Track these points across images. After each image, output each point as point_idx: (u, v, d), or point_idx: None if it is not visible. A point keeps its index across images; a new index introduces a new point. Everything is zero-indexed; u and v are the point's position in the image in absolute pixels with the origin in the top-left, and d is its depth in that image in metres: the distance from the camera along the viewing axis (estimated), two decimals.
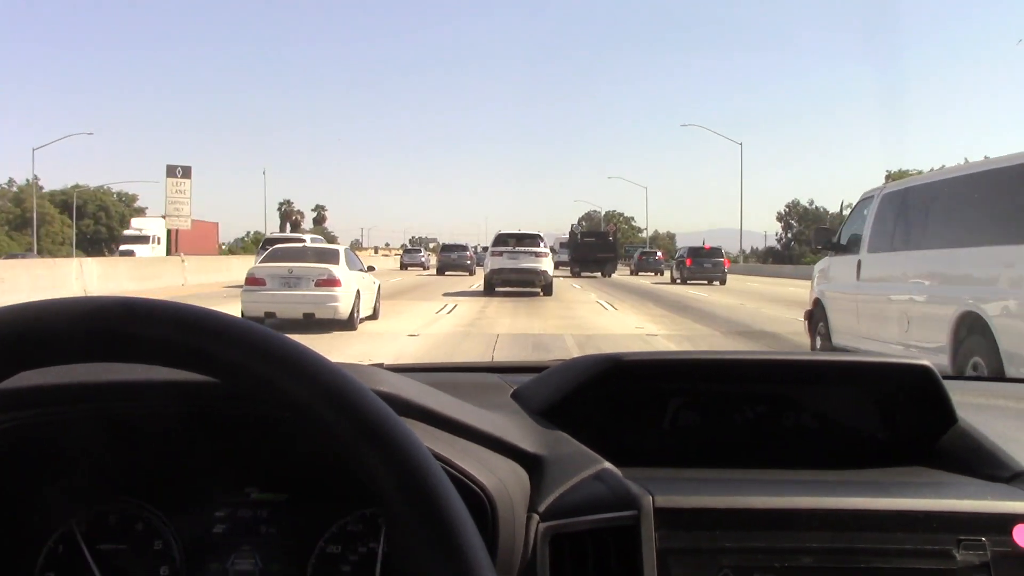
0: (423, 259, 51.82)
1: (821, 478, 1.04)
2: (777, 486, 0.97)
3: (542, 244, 21.56)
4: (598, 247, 39.75)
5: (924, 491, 0.96)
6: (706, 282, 33.65)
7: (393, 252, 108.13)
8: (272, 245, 18.37)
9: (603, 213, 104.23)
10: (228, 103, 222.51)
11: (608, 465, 0.99)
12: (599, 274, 38.48)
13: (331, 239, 75.52)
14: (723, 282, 33.47)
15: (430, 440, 0.86)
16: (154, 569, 0.98)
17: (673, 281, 35.53)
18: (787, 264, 58.46)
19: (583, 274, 38.26)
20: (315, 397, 0.59)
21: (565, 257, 57.76)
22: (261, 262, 13.44)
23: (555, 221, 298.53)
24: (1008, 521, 0.90)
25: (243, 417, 0.93)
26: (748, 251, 79.23)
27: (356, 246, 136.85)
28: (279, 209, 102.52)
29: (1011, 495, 0.95)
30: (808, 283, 10.23)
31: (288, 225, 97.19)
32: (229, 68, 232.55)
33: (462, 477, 0.87)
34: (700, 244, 39.12)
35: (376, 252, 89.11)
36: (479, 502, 0.86)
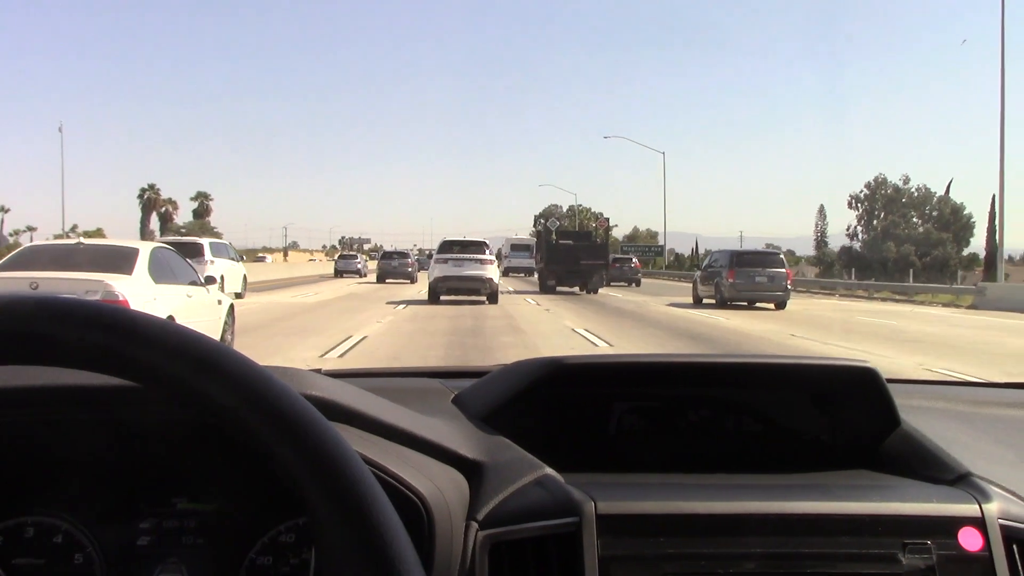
0: (359, 265, 47.99)
1: (765, 482, 1.02)
2: (721, 491, 0.95)
3: (487, 251, 21.84)
4: (582, 252, 28.21)
5: (869, 494, 0.96)
6: (745, 304, 21.55)
7: (316, 255, 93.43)
8: None
9: (565, 208, 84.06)
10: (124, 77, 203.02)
11: (549, 471, 0.98)
12: (577, 288, 28.37)
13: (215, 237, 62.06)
14: (782, 305, 21.28)
15: (363, 446, 0.84)
16: None
17: (697, 301, 22.96)
18: (880, 276, 38.59)
19: (560, 288, 27.84)
20: (237, 400, 0.57)
21: (520, 263, 46.63)
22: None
23: (507, 217, 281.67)
24: (953, 523, 0.90)
25: (167, 424, 0.89)
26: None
27: (293, 247, 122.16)
28: (140, 196, 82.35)
29: (956, 497, 0.94)
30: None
31: (155, 218, 79.50)
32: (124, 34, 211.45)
33: (396, 484, 0.84)
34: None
35: (285, 253, 73.75)
36: (415, 510, 0.84)
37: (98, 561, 0.93)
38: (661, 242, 69.98)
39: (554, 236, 31.15)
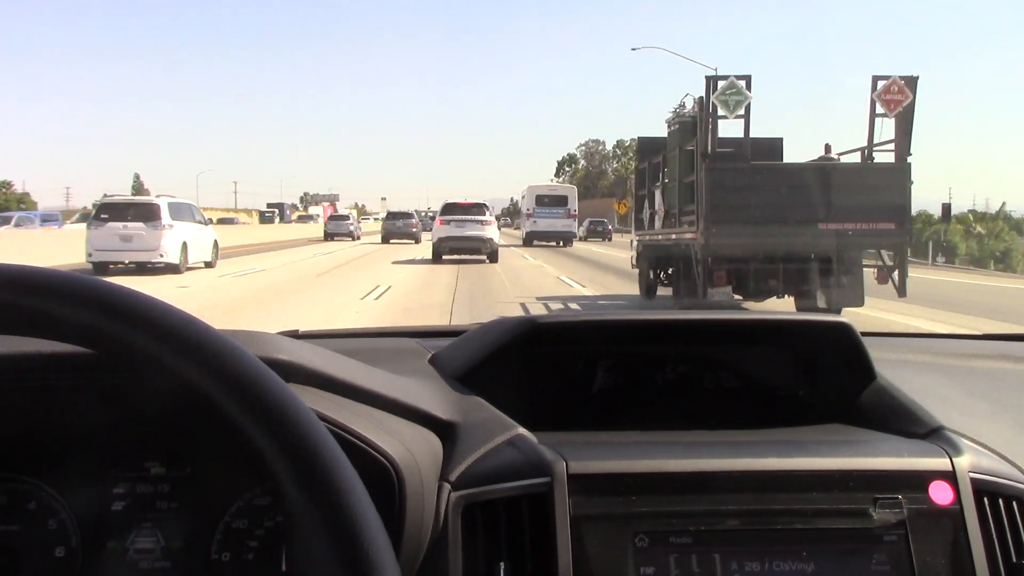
0: (352, 227, 46.12)
1: (738, 439, 1.03)
2: (693, 448, 0.96)
3: (487, 213, 23.06)
4: (828, 188, 9.24)
5: (841, 449, 0.97)
6: None
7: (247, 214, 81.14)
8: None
9: (611, 147, 45.08)
10: None
11: (522, 431, 0.98)
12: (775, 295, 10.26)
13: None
14: None
15: (331, 408, 0.85)
16: (49, 550, 0.93)
17: None
18: None
19: (744, 297, 10.22)
20: (186, 362, 0.58)
21: (552, 225, 31.80)
22: None
23: (520, 172, 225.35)
24: (924, 478, 0.91)
25: (136, 389, 0.89)
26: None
27: (293, 208, 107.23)
28: None
29: (927, 451, 0.95)
30: None
31: None
32: None
33: (365, 446, 0.85)
34: None
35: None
36: (384, 472, 0.84)
37: (72, 526, 0.93)
38: None
39: (708, 148, 9.62)
